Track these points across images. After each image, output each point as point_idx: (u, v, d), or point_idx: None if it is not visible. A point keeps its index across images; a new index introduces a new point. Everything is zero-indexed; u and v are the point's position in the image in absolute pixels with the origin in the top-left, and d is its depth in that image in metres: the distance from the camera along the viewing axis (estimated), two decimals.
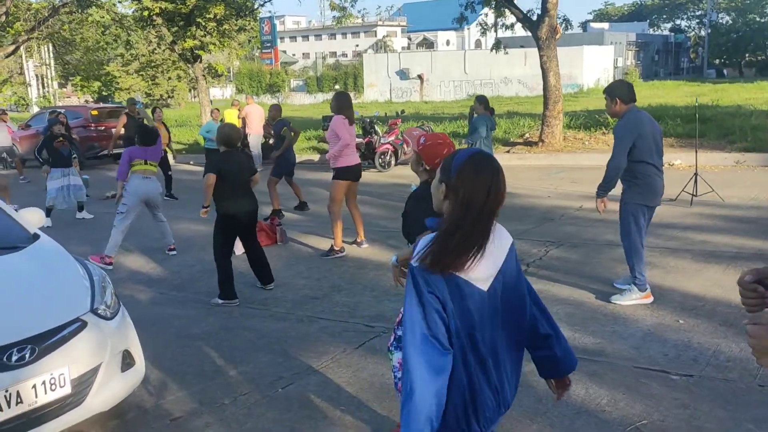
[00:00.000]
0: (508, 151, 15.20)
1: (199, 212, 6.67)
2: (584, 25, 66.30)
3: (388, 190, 12.21)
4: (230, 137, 6.33)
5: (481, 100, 9.62)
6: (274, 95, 57.26)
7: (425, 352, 2.12)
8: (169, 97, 48.87)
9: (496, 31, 18.08)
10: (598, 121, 16.47)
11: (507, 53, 18.62)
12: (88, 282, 4.00)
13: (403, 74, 52.35)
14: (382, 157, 14.72)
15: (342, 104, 7.66)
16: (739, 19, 65.71)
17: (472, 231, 2.13)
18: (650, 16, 73.49)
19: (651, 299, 5.58)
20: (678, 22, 75.26)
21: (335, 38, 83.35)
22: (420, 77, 51.48)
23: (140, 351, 4.10)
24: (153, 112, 12.88)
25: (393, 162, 14.86)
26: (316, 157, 17.30)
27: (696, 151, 10.02)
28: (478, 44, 79.93)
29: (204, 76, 18.84)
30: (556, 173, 12.82)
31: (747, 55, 64.84)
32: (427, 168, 3.56)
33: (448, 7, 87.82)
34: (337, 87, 58.58)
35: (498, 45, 17.90)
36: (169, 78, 45.04)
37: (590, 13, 52.13)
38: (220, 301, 6.24)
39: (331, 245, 7.72)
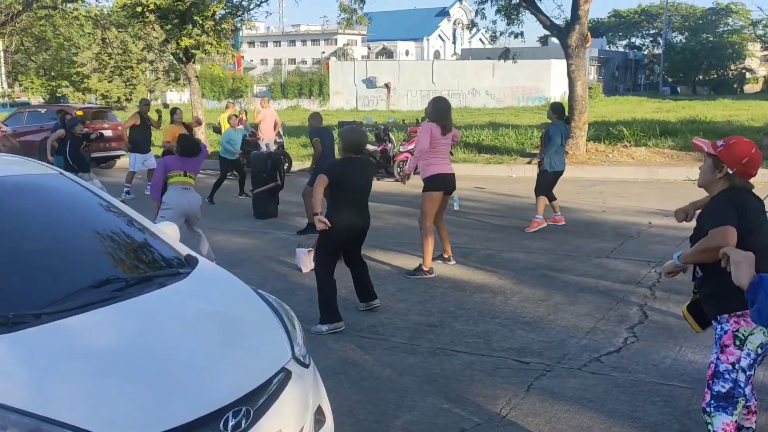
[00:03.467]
0: (529, 162, 14.69)
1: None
2: (545, 40, 67.10)
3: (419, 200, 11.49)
4: (359, 143, 5.56)
5: (556, 108, 9.01)
6: (236, 100, 55.84)
7: None
8: (126, 99, 47.03)
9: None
10: (611, 134, 16.15)
11: (516, 62, 18.19)
12: (275, 317, 3.18)
13: (369, 83, 51.84)
14: (401, 165, 13.99)
15: (439, 111, 6.94)
16: (692, 38, 67.57)
17: None
18: (606, 33, 74.91)
19: None
20: (633, 39, 77.04)
21: (294, 45, 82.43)
22: (387, 86, 51.02)
23: (329, 404, 3.28)
24: (172, 113, 11.86)
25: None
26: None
27: None
28: (437, 55, 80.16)
29: (197, 77, 17.78)
30: (590, 186, 12.34)
31: (701, 74, 66.62)
32: (730, 172, 2.93)
33: (407, 17, 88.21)
34: (302, 93, 57.62)
35: (507, 53, 17.45)
36: (130, 77, 43.29)
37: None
38: (325, 328, 5.41)
39: (420, 264, 6.97)
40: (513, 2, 15.55)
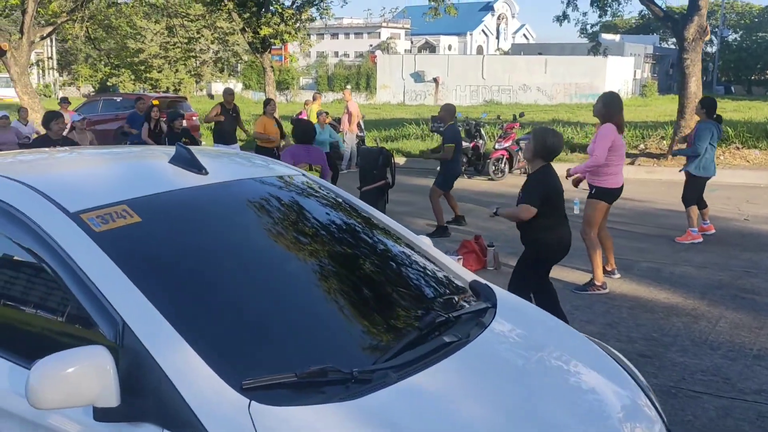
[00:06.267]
0: (631, 163, 13.79)
1: None
2: (594, 36, 65.52)
3: None
4: (557, 149, 4.79)
5: (706, 103, 8.14)
6: (282, 92, 55.50)
7: None
8: (176, 89, 46.86)
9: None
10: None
11: (606, 56, 17.27)
12: (623, 370, 2.47)
13: (417, 76, 51.05)
14: (497, 164, 13.24)
15: (612, 108, 6.17)
16: (746, 37, 65.49)
17: None
18: (657, 30, 72.93)
19: None
20: None
21: (337, 38, 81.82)
22: (435, 80, 50.15)
23: None
24: (266, 105, 11.23)
25: (507, 169, 13.38)
26: (401, 160, 15.74)
27: None
28: (479, 50, 78.87)
29: (272, 67, 17.18)
30: (713, 191, 11.37)
31: (755, 74, 64.54)
32: None
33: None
34: (348, 87, 56.97)
35: (597, 47, 16.56)
36: (194, 68, 42.96)
37: (596, 25, 51.17)
38: None
39: (591, 279, 6.21)
40: None
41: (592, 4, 15.45)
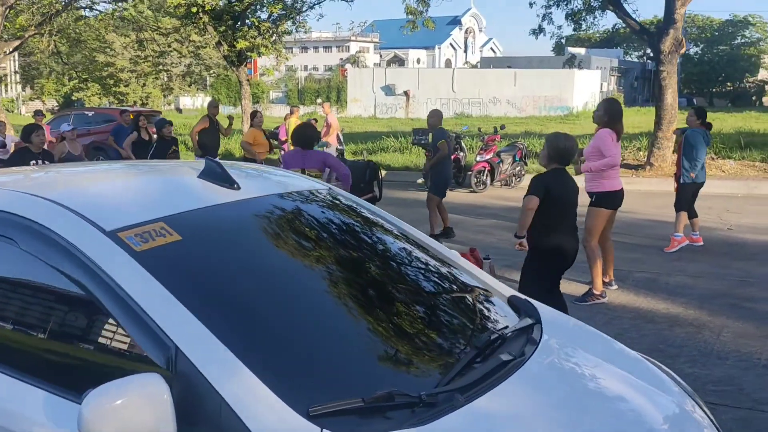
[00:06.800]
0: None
1: None
2: (559, 50, 66.55)
3: (506, 213, 10.71)
4: (571, 152, 4.78)
5: (700, 112, 8.24)
6: (252, 106, 55.18)
7: None
8: (143, 103, 46.26)
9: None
10: None
11: (582, 68, 17.48)
12: (682, 390, 2.42)
13: (388, 90, 51.20)
14: (478, 176, 13.25)
15: (613, 115, 6.20)
16: (707, 50, 67.17)
17: None
18: (621, 44, 74.39)
19: None
20: (648, 50, 76.43)
21: (306, 51, 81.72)
22: (406, 93, 50.35)
23: None
24: (252, 117, 11.08)
25: (489, 182, 13.40)
26: (381, 173, 15.63)
27: None
28: (448, 63, 79.56)
29: (248, 81, 17.03)
30: None
31: (716, 87, 66.17)
32: None
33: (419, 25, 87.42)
34: (319, 100, 56.86)
35: (573, 60, 16.74)
36: (165, 81, 42.41)
37: (563, 39, 51.80)
38: None
39: (589, 288, 6.19)
40: (593, 4, 14.81)
41: (567, 18, 15.66)
